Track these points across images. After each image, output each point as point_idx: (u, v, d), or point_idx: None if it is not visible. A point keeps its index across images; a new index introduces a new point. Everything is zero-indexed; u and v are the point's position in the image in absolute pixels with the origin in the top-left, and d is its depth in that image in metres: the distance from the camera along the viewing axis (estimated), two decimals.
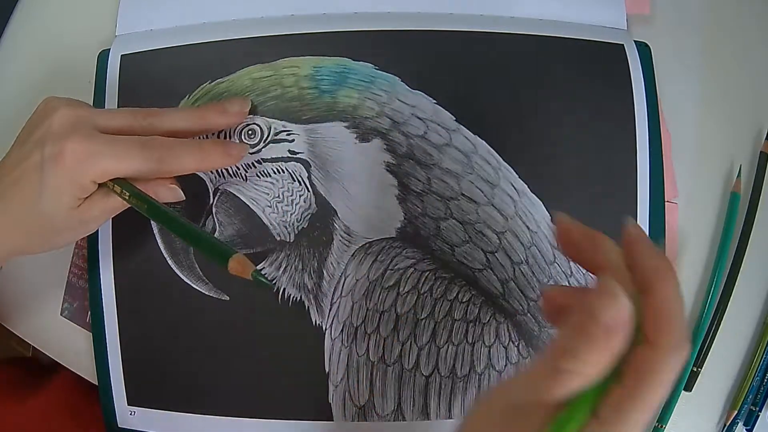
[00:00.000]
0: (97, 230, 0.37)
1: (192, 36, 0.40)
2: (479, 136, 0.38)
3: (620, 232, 0.37)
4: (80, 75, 0.40)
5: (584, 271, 0.37)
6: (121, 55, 0.40)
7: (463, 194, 0.37)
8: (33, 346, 0.40)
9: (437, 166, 0.38)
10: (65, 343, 0.40)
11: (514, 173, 0.38)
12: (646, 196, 0.37)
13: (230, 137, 0.38)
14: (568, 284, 0.37)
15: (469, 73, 0.38)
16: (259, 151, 0.38)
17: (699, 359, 0.37)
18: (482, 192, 0.38)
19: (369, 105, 0.38)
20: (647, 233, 0.37)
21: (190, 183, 0.38)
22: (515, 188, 0.38)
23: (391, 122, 0.38)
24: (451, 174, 0.38)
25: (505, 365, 0.37)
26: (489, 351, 0.37)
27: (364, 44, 0.38)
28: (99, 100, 0.39)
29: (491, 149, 0.38)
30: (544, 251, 0.37)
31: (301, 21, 0.39)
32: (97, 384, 0.38)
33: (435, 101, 0.38)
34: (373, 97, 0.38)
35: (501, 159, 0.38)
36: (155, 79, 0.39)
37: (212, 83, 0.39)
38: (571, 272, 0.37)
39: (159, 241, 0.38)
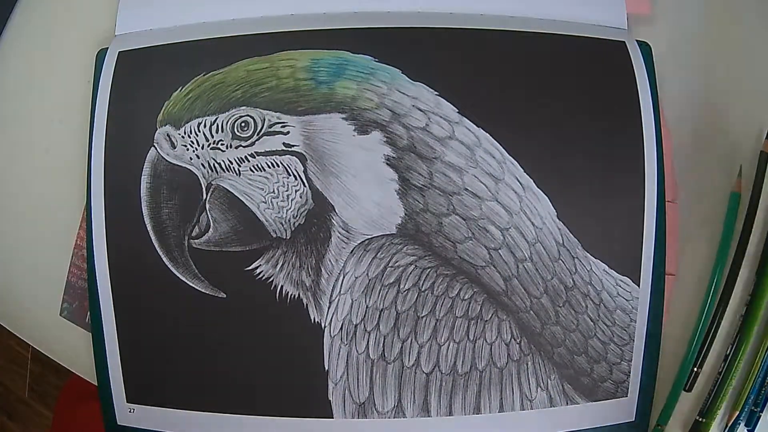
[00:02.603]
0: (92, 230, 0.37)
1: (191, 34, 0.38)
2: (483, 129, 0.36)
3: (626, 227, 0.37)
4: (79, 75, 0.40)
5: (588, 268, 0.36)
6: (118, 52, 0.38)
7: (466, 189, 0.36)
8: (32, 347, 0.40)
9: (439, 159, 0.36)
10: (65, 343, 0.40)
11: (519, 167, 0.36)
12: (653, 194, 0.36)
13: (222, 130, 0.36)
14: (571, 281, 0.36)
15: (472, 67, 0.37)
16: (253, 144, 0.36)
17: (699, 359, 0.37)
18: (486, 187, 0.36)
19: (368, 96, 0.36)
20: (653, 232, 0.36)
21: (183, 178, 0.37)
22: (520, 183, 0.36)
23: (391, 114, 0.36)
24: (453, 168, 0.36)
25: (507, 362, 0.36)
26: (491, 348, 0.36)
27: (363, 39, 0.37)
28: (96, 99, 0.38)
29: (495, 142, 0.36)
30: (548, 248, 0.36)
31: (301, 20, 0.38)
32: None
33: (437, 93, 0.36)
34: (373, 88, 0.36)
35: (505, 152, 0.36)
36: (149, 74, 0.38)
37: (206, 75, 0.37)
38: (575, 269, 0.36)
39: (153, 238, 0.37)
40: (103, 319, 0.37)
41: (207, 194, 0.37)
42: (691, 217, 0.38)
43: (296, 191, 0.36)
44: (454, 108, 0.36)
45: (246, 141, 0.36)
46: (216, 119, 0.37)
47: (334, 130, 0.36)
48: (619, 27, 0.39)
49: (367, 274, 0.36)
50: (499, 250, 0.36)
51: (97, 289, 0.37)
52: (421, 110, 0.36)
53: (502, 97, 0.37)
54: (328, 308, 0.36)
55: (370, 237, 0.36)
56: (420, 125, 0.36)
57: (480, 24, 0.38)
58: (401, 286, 0.36)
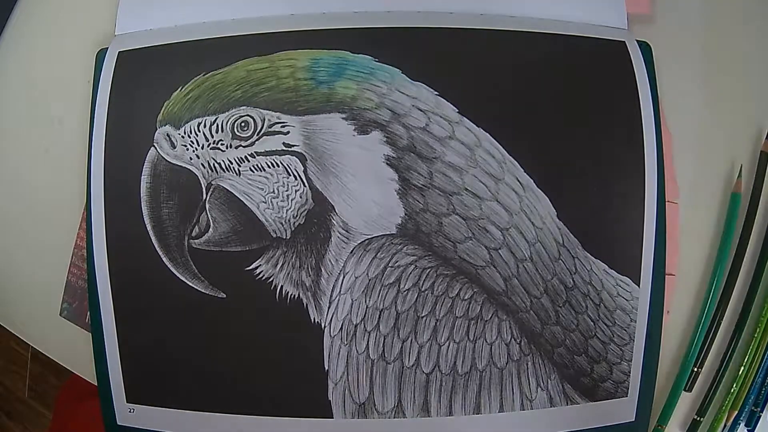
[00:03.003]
0: (92, 230, 0.37)
1: (191, 34, 0.38)
2: (483, 129, 0.36)
3: (626, 227, 0.37)
4: (80, 75, 0.40)
5: (588, 268, 0.36)
6: (118, 52, 0.38)
7: (466, 189, 0.36)
8: (32, 347, 0.40)
9: (439, 159, 0.36)
10: (65, 343, 0.40)
11: (519, 167, 0.36)
12: (653, 194, 0.36)
13: (222, 130, 0.36)
14: (571, 281, 0.36)
15: (472, 67, 0.37)
16: (253, 144, 0.36)
17: (699, 359, 0.37)
18: (486, 187, 0.36)
19: (368, 96, 0.36)
20: (653, 233, 0.36)
21: (183, 178, 0.36)
22: (520, 183, 0.36)
23: (391, 114, 0.36)
24: (453, 168, 0.36)
25: (507, 362, 0.36)
26: (491, 348, 0.36)
27: (363, 39, 0.37)
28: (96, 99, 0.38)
29: (495, 142, 0.36)
30: (548, 248, 0.36)
31: (301, 20, 0.38)
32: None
33: (437, 93, 0.36)
34: (372, 88, 0.36)
35: (506, 152, 0.36)
36: (149, 74, 0.38)
37: (206, 75, 0.37)
38: (575, 269, 0.36)
39: (153, 238, 0.37)
40: (103, 319, 0.37)
41: (207, 194, 0.37)
42: (691, 217, 0.38)
43: (296, 191, 0.36)
44: (454, 108, 0.36)
45: (246, 141, 0.36)
46: (216, 119, 0.37)
47: (334, 130, 0.36)
48: (619, 27, 0.39)
49: (367, 274, 0.36)
50: (499, 250, 0.36)
51: (97, 289, 0.37)
52: (421, 110, 0.36)
53: (502, 97, 0.37)
54: (328, 308, 0.36)
55: (370, 237, 0.36)
56: (420, 125, 0.36)
57: (480, 24, 0.38)
58: (401, 286, 0.36)
